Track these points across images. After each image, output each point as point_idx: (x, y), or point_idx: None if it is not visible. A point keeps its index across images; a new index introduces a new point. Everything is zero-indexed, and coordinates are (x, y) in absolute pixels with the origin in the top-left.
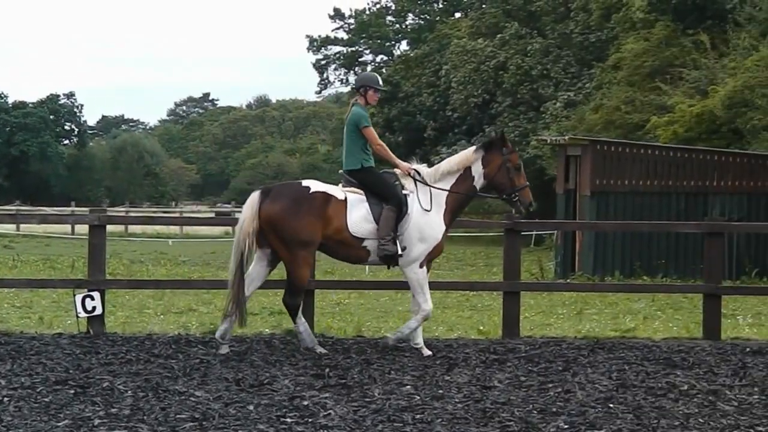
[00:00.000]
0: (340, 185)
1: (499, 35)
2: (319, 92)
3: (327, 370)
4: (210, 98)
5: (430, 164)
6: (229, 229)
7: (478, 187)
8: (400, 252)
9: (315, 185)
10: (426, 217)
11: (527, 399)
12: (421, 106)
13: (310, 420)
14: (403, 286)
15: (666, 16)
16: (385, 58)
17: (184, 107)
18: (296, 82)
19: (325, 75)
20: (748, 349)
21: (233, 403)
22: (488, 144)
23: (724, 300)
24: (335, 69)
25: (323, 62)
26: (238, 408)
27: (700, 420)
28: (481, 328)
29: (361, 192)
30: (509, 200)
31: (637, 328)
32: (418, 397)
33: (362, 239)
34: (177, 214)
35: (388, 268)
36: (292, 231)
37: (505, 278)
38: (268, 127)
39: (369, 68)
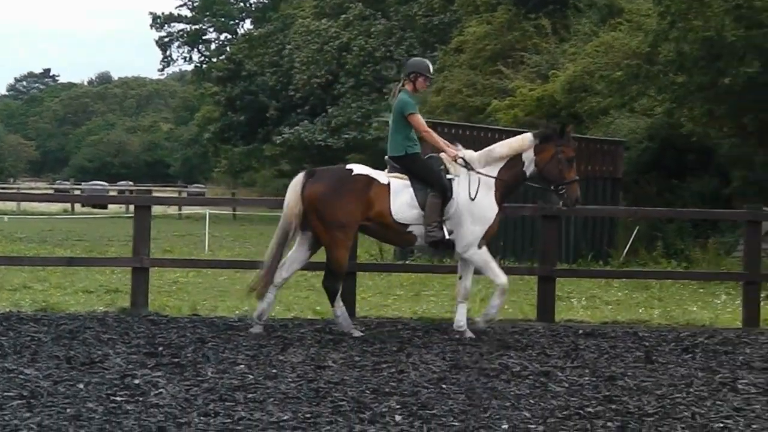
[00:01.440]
0: (386, 171)
1: (343, 16)
2: (162, 70)
3: (160, 348)
4: (51, 74)
5: (274, 144)
6: (68, 206)
7: (527, 173)
8: (447, 236)
9: (358, 168)
10: (476, 202)
11: (360, 379)
12: (263, 85)
13: (140, 399)
14: (242, 265)
15: (508, 0)
16: (229, 36)
17: (24, 83)
18: (139, 59)
19: (168, 52)
20: (580, 332)
21: (63, 381)
22: (545, 134)
23: (560, 282)
24: (178, 47)
25: (166, 39)
26: (68, 386)
27: (531, 401)
28: (318, 308)
29: (406, 178)
30: (556, 192)
31: (473, 309)
32: (252, 377)
33: (407, 225)
34: (14, 190)
35: (437, 251)
36: (332, 212)
37: None
38: (109, 104)
39: (213, 46)
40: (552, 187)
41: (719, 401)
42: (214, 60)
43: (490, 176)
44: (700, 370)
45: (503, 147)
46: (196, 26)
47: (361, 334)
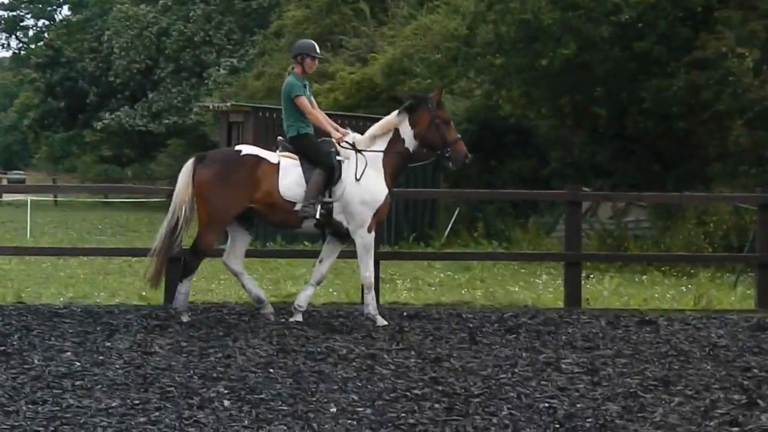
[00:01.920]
0: (277, 151)
1: (161, 1)
2: None
3: None
4: None
5: (95, 130)
6: None
7: (411, 149)
8: (317, 216)
9: (247, 149)
10: (364, 182)
11: (188, 365)
12: (83, 71)
13: None
14: (65, 252)
15: None
16: (47, 22)
17: None
18: None
19: None
20: (405, 314)
21: None
22: (414, 104)
23: (383, 265)
24: None
25: None
26: None
27: (359, 384)
28: (144, 293)
29: (296, 157)
30: (443, 156)
31: (298, 293)
32: (79, 364)
33: (294, 203)
34: None
35: (323, 235)
36: (216, 198)
37: None
38: None
39: (31, 33)
40: (438, 152)
41: (544, 381)
42: (33, 46)
43: (378, 150)
44: (524, 350)
45: (376, 127)
46: (14, 13)
47: (189, 319)
